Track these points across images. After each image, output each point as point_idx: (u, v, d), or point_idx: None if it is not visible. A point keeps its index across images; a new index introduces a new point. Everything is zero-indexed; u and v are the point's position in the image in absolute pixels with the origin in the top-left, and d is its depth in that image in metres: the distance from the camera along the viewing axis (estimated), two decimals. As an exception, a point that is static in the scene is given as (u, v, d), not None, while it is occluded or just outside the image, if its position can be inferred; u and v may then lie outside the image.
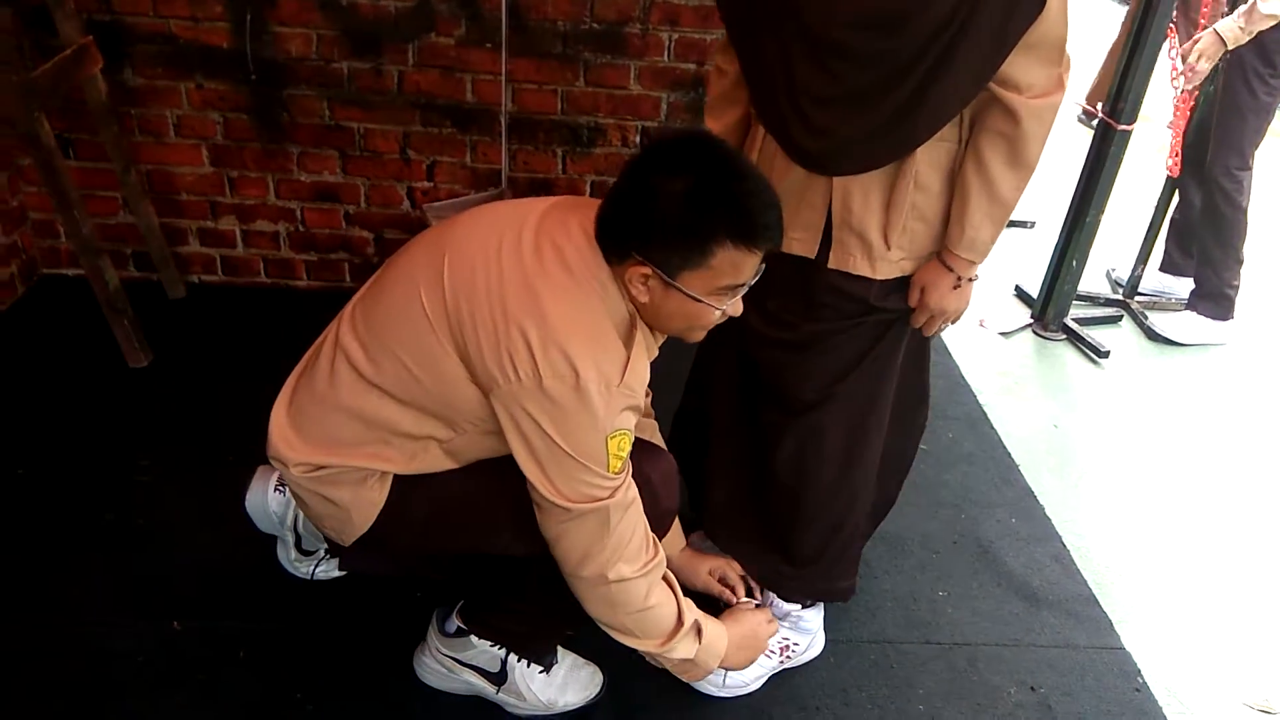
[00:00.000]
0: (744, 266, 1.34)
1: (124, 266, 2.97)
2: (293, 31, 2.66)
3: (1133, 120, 2.97)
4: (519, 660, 1.73)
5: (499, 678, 1.73)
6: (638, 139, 2.88)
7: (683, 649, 1.57)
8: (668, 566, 1.86)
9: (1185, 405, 2.99)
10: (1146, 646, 2.03)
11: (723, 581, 1.87)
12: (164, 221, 2.88)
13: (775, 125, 1.54)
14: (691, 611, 1.58)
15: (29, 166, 2.70)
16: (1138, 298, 3.50)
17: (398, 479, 1.49)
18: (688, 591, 1.62)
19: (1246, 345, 3.40)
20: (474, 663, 1.73)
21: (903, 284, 1.60)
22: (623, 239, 1.34)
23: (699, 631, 1.58)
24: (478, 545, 1.57)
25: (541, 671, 1.74)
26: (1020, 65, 1.38)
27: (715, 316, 1.40)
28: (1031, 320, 3.31)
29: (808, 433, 1.70)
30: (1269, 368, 3.28)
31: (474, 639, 1.71)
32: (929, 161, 1.48)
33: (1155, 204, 3.44)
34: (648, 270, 1.33)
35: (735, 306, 1.41)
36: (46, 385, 2.51)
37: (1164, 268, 3.59)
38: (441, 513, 1.52)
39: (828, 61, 1.42)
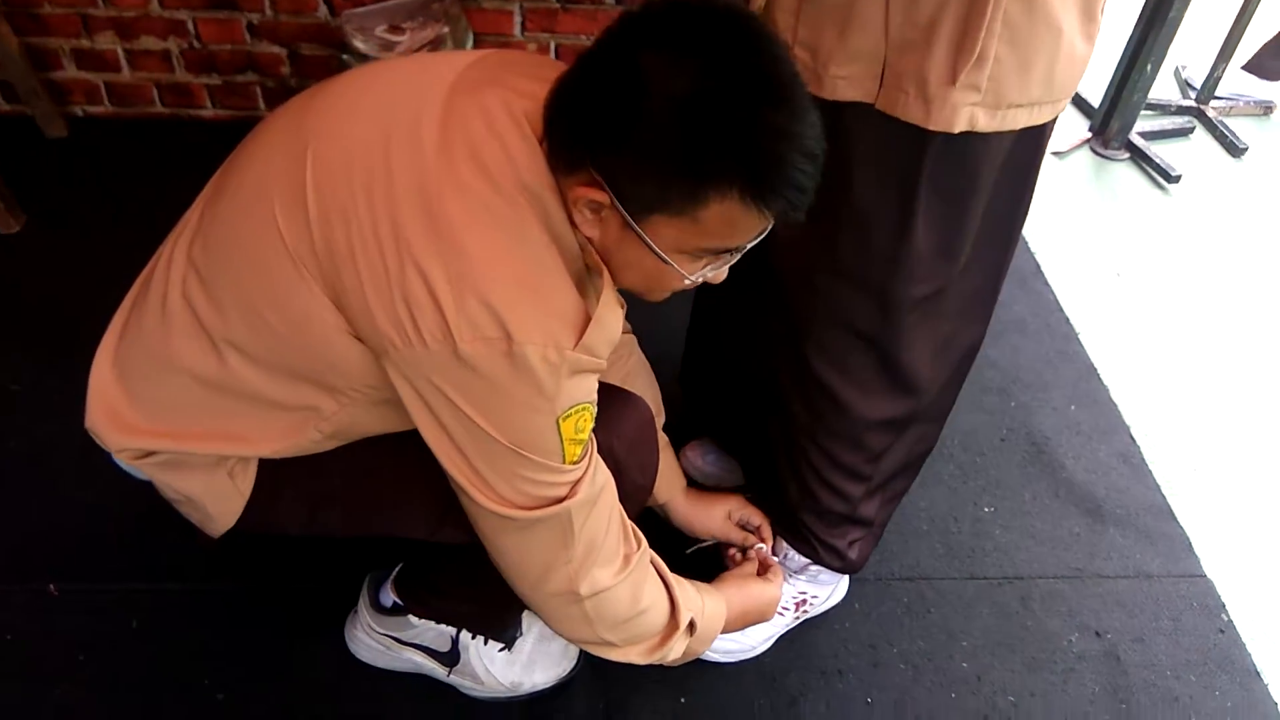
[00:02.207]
0: (742, 228, 0.88)
1: (-12, 98, 2.42)
2: None
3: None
4: (474, 638, 1.39)
5: (450, 658, 1.41)
6: (614, -82, 2.26)
7: (676, 649, 1.22)
8: (670, 514, 1.51)
9: (1276, 242, 2.52)
10: (1232, 573, 1.70)
11: (744, 526, 1.50)
12: (28, 42, 2.31)
13: None
14: (685, 600, 1.20)
15: None
16: (1213, 103, 2.95)
17: (266, 462, 1.08)
18: (677, 565, 1.25)
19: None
20: (418, 641, 1.40)
21: (968, 153, 1.11)
22: (577, 139, 0.86)
23: (692, 625, 1.22)
24: (395, 533, 1.18)
25: (502, 649, 1.41)
26: None
27: (685, 283, 0.96)
28: (1090, 135, 2.78)
29: (820, 393, 1.30)
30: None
31: (414, 618, 1.37)
32: None
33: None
34: (603, 197, 0.86)
35: (717, 274, 0.97)
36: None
37: (1251, 68, 3.01)
38: (333, 502, 1.13)
39: None
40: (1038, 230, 2.44)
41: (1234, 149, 2.81)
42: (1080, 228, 2.49)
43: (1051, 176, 2.67)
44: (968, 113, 1.05)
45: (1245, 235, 2.53)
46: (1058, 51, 1.04)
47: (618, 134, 0.83)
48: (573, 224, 0.91)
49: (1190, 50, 3.07)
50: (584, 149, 0.86)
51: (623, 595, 1.10)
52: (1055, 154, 2.73)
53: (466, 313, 0.85)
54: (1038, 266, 2.30)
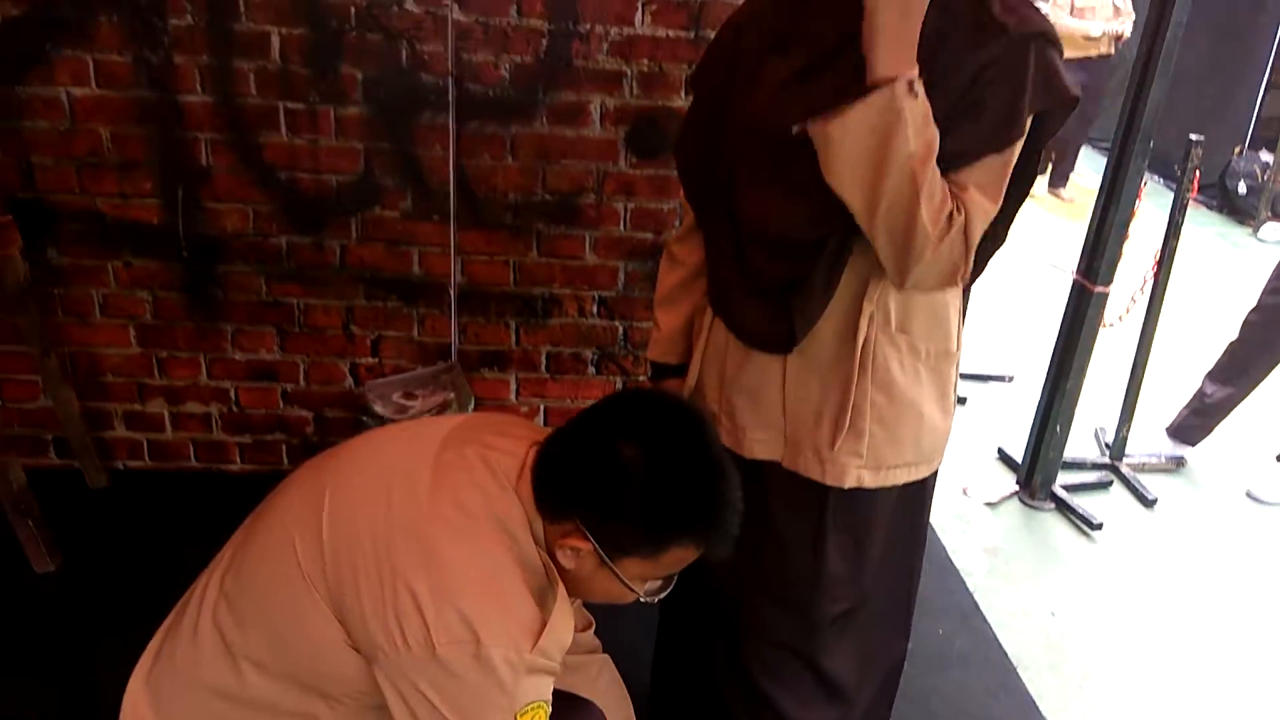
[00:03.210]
0: (687, 560, 1.21)
1: (43, 454, 2.75)
2: (228, 207, 2.52)
3: (1109, 281, 2.87)
4: None
5: None
6: (595, 309, 2.74)
7: None
8: None
9: (1191, 584, 2.78)
10: None
11: None
12: (88, 405, 2.68)
13: (728, 310, 1.41)
14: None
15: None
16: (1126, 459, 3.33)
17: None
18: None
19: (1258, 514, 3.23)
20: None
21: (859, 503, 1.40)
22: (568, 504, 1.17)
23: None
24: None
25: None
26: None
27: (640, 599, 1.25)
28: (1017, 487, 3.13)
29: (764, 705, 1.51)
30: None
31: None
32: (891, 357, 1.32)
33: (1132, 361, 3.30)
34: (586, 546, 1.16)
35: (665, 589, 1.27)
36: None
37: (1172, 433, 3.45)
38: None
39: (775, 253, 1.31)
40: (975, 571, 2.69)
41: (1145, 500, 3.14)
42: (1014, 571, 2.74)
43: (986, 524, 2.97)
44: (855, 473, 1.37)
45: (1162, 578, 2.79)
46: (921, 427, 1.38)
47: (604, 508, 1.15)
48: (550, 555, 1.19)
49: (1108, 413, 3.50)
50: (574, 513, 1.16)
51: None
52: (988, 504, 3.05)
53: (444, 620, 1.09)
54: (975, 604, 2.53)
